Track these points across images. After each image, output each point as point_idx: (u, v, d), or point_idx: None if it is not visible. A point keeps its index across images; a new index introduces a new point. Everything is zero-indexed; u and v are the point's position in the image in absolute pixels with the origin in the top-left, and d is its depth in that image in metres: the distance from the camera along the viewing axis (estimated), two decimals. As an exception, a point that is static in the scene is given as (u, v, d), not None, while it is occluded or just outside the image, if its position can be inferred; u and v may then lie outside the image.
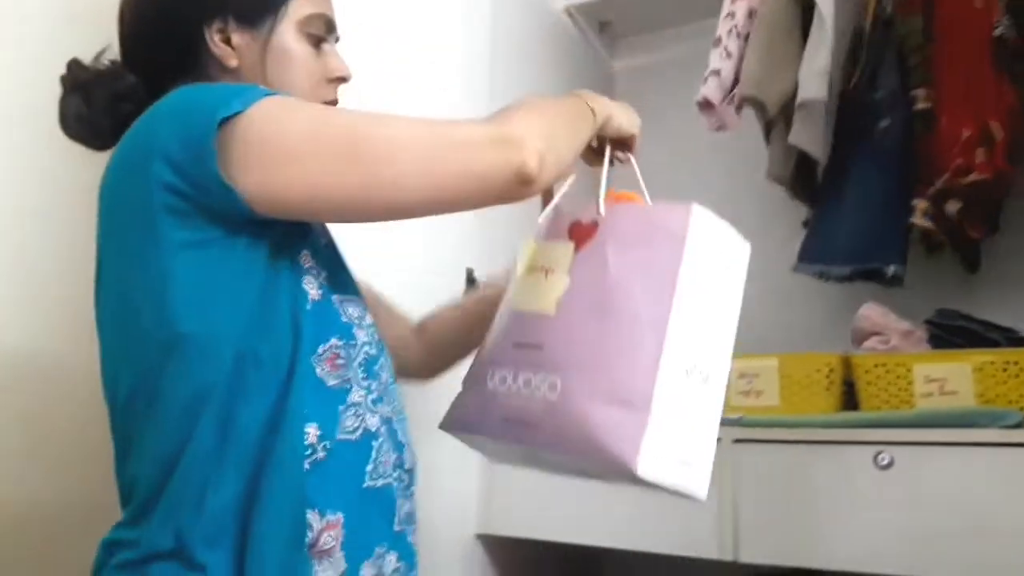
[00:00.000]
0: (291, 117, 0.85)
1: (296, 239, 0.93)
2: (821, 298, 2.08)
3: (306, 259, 0.94)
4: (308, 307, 0.91)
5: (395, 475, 0.96)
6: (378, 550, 0.92)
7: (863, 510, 1.42)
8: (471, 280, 1.77)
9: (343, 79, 1.06)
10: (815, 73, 1.74)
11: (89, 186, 0.96)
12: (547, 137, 0.90)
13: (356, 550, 0.89)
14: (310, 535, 0.86)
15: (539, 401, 0.93)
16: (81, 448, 1.29)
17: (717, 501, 1.50)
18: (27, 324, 1.32)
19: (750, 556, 1.50)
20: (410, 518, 0.99)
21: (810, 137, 1.75)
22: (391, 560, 0.94)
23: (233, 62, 1.00)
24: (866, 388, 1.60)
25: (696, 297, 0.93)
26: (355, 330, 0.94)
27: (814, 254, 1.83)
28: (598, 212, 1.01)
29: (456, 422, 1.03)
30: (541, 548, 1.84)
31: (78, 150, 1.03)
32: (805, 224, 1.96)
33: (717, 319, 0.96)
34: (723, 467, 1.50)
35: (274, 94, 0.88)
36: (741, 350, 1.56)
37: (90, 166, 1.00)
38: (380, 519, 0.93)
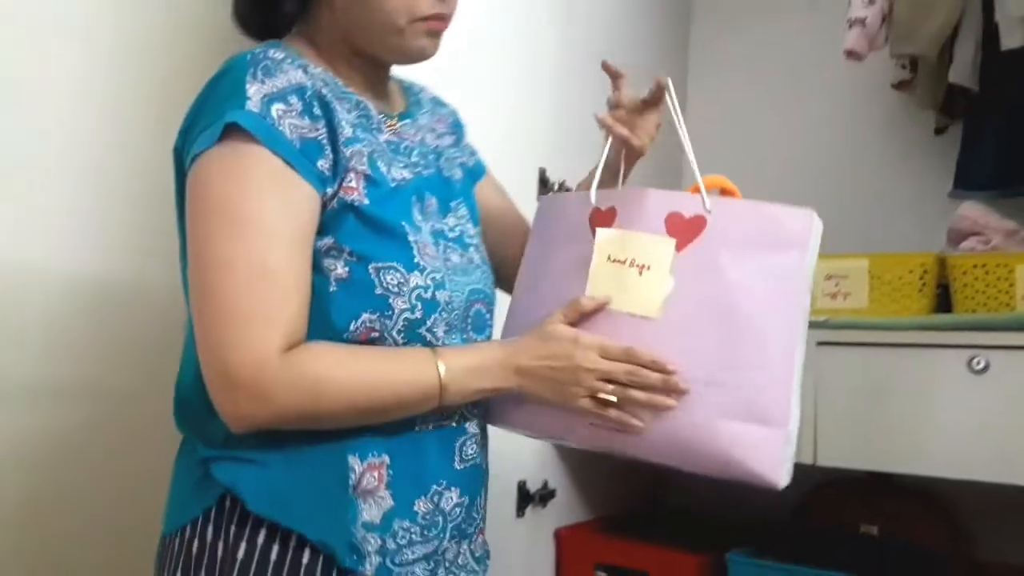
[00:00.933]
0: (204, 184, 0.87)
1: (328, 221, 0.90)
2: (915, 197, 2.00)
3: (327, 242, 0.89)
4: (332, 288, 0.89)
5: (456, 416, 0.97)
6: (435, 487, 0.94)
7: (953, 415, 1.38)
8: (544, 181, 1.74)
9: (438, 17, 0.95)
10: (1015, 20, 1.66)
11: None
12: (308, 413, 0.86)
13: (405, 488, 0.92)
14: (352, 477, 0.89)
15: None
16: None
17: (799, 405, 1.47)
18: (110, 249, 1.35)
19: (829, 459, 1.48)
20: (478, 452, 0.99)
21: (970, 73, 1.74)
22: (451, 496, 0.95)
23: None
24: (962, 290, 1.54)
25: (806, 299, 0.91)
26: (392, 300, 0.90)
27: (970, 182, 1.81)
28: (703, 206, 0.93)
29: (511, 420, 1.01)
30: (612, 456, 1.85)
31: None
32: (938, 131, 1.94)
33: (807, 306, 0.93)
34: (806, 370, 1.46)
35: (230, 128, 0.85)
36: (829, 250, 1.51)
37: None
38: (438, 458, 0.95)
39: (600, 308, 0.94)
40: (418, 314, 0.91)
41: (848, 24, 1.82)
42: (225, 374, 0.84)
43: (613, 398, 0.91)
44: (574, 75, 1.83)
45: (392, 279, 0.89)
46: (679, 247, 0.91)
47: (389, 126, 0.99)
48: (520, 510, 1.76)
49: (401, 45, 0.95)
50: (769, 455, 0.87)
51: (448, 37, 1.00)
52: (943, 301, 1.61)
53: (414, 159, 1.00)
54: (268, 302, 0.84)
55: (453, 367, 0.90)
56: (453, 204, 1.03)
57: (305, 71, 0.91)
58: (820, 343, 1.48)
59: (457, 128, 1.13)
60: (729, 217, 0.91)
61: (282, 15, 0.97)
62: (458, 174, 1.07)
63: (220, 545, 0.88)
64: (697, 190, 0.94)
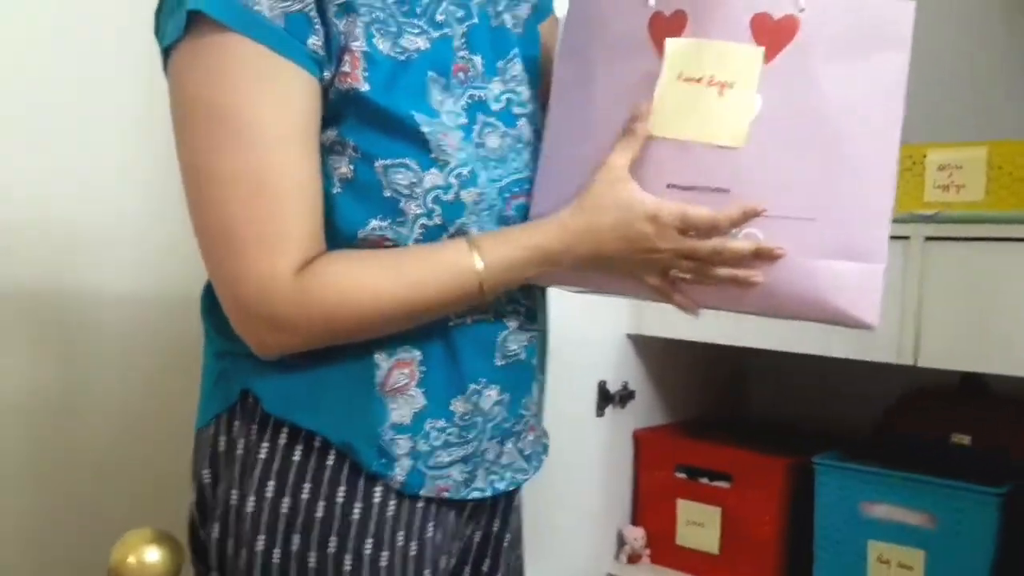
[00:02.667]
0: (180, 86, 0.77)
1: (331, 112, 0.79)
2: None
3: (332, 134, 0.78)
4: (335, 190, 0.79)
5: (495, 312, 0.86)
6: (473, 386, 0.85)
7: (1071, 316, 1.30)
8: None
9: None
10: None
11: None
12: (332, 334, 0.78)
13: (439, 387, 0.83)
14: (379, 375, 0.81)
15: None
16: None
17: (901, 302, 1.41)
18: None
19: (931, 360, 1.42)
20: (523, 347, 0.89)
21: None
22: (490, 395, 0.86)
23: None
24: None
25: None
26: (403, 204, 0.78)
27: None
28: (796, 3, 0.77)
29: (555, 279, 0.88)
30: (693, 354, 1.81)
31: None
32: None
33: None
34: (910, 267, 1.40)
35: (195, 16, 0.73)
36: (941, 138, 1.41)
37: None
38: (476, 355, 0.85)
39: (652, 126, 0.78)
40: (437, 219, 0.79)
41: None
42: (236, 306, 0.77)
43: (688, 276, 0.80)
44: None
45: (402, 179, 0.78)
46: (768, 57, 0.76)
47: None
48: (600, 410, 1.75)
49: None
50: (867, 294, 0.79)
51: None
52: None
53: (439, 16, 0.84)
54: (269, 220, 0.74)
55: (494, 263, 0.79)
56: (502, 63, 0.87)
57: None
58: (929, 238, 1.39)
59: None
60: (824, 15, 0.76)
61: None
62: (522, 13, 0.91)
63: (242, 443, 0.83)
64: None
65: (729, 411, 2.09)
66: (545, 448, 0.99)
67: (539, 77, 0.90)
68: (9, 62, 1.18)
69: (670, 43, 0.78)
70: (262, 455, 0.82)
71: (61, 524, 1.24)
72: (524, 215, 0.86)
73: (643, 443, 1.84)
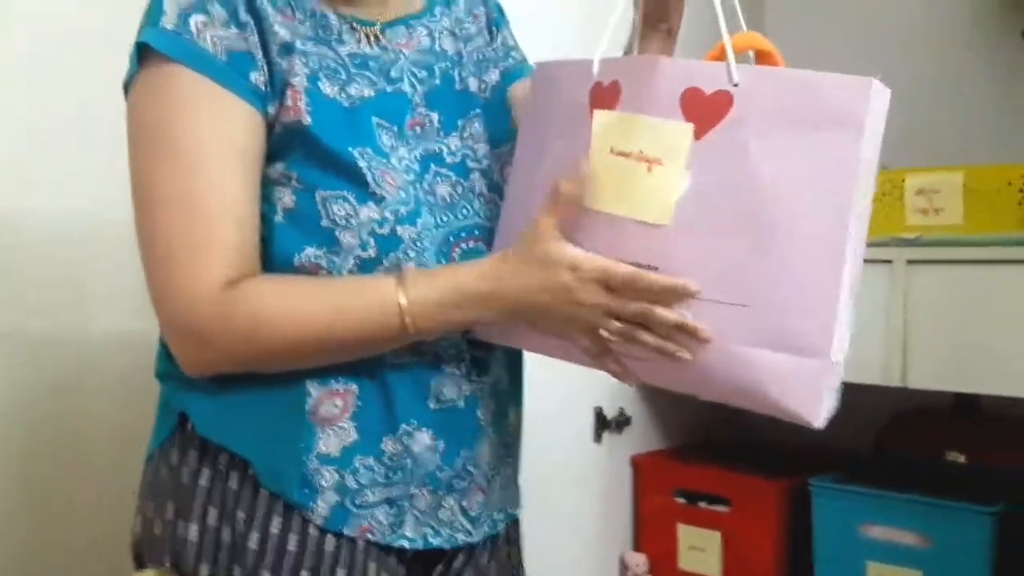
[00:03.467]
0: (130, 114, 0.81)
1: (277, 147, 0.81)
2: (1009, 106, 1.89)
3: (279, 167, 0.81)
4: (277, 218, 0.81)
5: (434, 354, 0.84)
6: (404, 427, 0.83)
7: (1052, 335, 1.32)
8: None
9: None
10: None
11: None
12: (253, 355, 0.78)
13: (372, 423, 0.82)
14: (309, 401, 0.81)
15: None
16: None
17: (886, 325, 1.43)
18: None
19: (919, 382, 1.44)
20: (462, 396, 0.86)
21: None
22: (421, 438, 0.83)
23: None
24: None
25: (862, 193, 0.72)
26: (339, 233, 0.79)
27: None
28: (730, 79, 0.72)
29: (497, 335, 0.85)
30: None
31: None
32: None
33: (866, 203, 0.75)
34: (894, 290, 1.43)
35: (145, 50, 0.79)
36: (920, 162, 1.44)
37: None
38: (409, 395, 0.83)
39: (577, 194, 0.76)
40: (371, 252, 0.80)
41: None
42: (165, 320, 0.79)
43: (614, 338, 0.76)
44: None
45: (339, 210, 0.79)
46: (698, 133, 0.72)
47: (364, 34, 0.86)
48: (597, 436, 1.77)
49: None
50: (804, 389, 0.72)
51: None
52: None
53: (394, 72, 0.86)
54: (198, 233, 0.76)
55: (419, 299, 0.77)
56: (462, 121, 0.89)
57: None
58: (911, 261, 1.42)
59: (496, 25, 0.99)
60: (762, 91, 0.71)
61: None
62: (490, 79, 0.94)
63: (184, 471, 0.83)
64: (721, 55, 0.73)
65: (725, 434, 2.10)
66: (509, 516, 0.94)
67: (502, 138, 0.92)
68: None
69: (598, 115, 0.77)
70: (202, 482, 0.82)
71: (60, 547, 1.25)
72: (470, 260, 0.85)
73: (641, 468, 1.86)
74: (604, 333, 0.77)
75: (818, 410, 0.73)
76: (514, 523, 0.97)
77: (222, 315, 0.76)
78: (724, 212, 0.72)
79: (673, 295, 0.73)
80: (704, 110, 0.73)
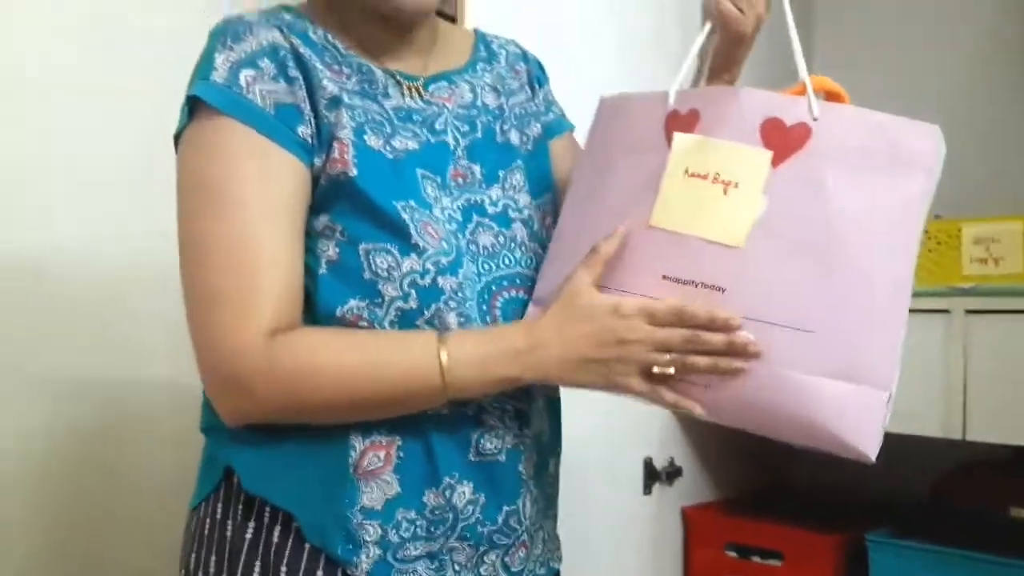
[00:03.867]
0: (180, 164, 0.82)
1: (323, 198, 0.82)
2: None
3: (324, 219, 0.82)
4: (321, 271, 0.82)
5: (476, 407, 0.84)
6: (447, 479, 0.83)
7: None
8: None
9: None
10: None
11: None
12: (293, 406, 0.79)
13: (415, 475, 0.82)
14: (353, 455, 0.81)
15: None
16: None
17: (945, 376, 1.41)
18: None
19: (980, 434, 1.41)
20: (504, 449, 0.86)
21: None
22: (463, 491, 0.83)
23: None
24: (1125, 253, 1.42)
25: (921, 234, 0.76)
26: (381, 286, 0.80)
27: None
28: (810, 111, 0.75)
29: None
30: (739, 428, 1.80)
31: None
32: None
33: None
34: (953, 341, 1.40)
35: (196, 103, 0.81)
36: (977, 212, 1.42)
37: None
38: (450, 448, 0.83)
39: (619, 245, 0.79)
40: (412, 303, 0.81)
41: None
42: (208, 368, 0.79)
43: (671, 370, 0.76)
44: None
45: (382, 262, 0.80)
46: (776, 161, 0.75)
47: (408, 89, 0.88)
48: (647, 487, 1.74)
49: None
50: (865, 421, 0.72)
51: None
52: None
53: (439, 125, 0.88)
54: (244, 283, 0.77)
55: (460, 356, 0.78)
56: (503, 172, 0.90)
57: (282, 30, 0.84)
58: (969, 311, 1.40)
59: (537, 81, 1.01)
60: (840, 128, 0.75)
61: None
62: (532, 133, 0.95)
63: (229, 525, 0.83)
64: (801, 91, 0.77)
65: (777, 485, 2.07)
66: (551, 571, 0.94)
67: (544, 189, 0.94)
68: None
69: (678, 138, 0.79)
70: (248, 535, 0.82)
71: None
72: (511, 309, 0.86)
73: (692, 521, 1.82)
74: (656, 369, 0.77)
75: (875, 443, 0.73)
76: None
77: (266, 365, 0.77)
78: (795, 240, 0.74)
79: (717, 325, 0.74)
80: (783, 140, 0.75)
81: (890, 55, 2.12)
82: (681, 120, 0.80)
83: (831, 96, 0.82)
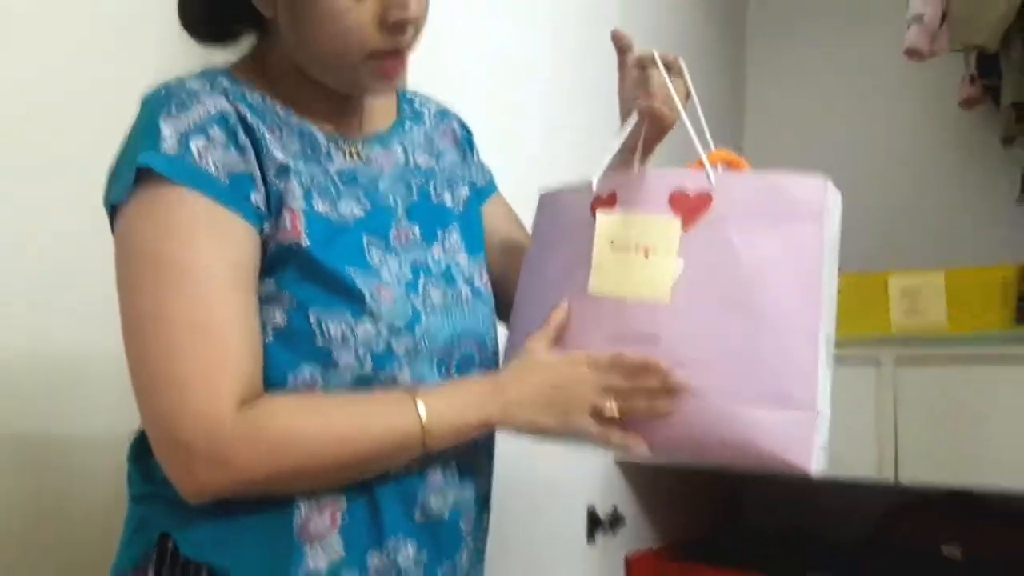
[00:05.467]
0: (127, 239, 0.80)
1: (268, 264, 0.82)
2: (986, 207, 1.95)
3: (270, 285, 0.81)
4: (267, 340, 0.81)
5: (420, 462, 0.85)
6: (392, 540, 0.83)
7: (1040, 430, 1.34)
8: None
9: (393, 54, 0.84)
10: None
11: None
12: (276, 473, 0.77)
13: (360, 537, 0.82)
14: (298, 517, 0.80)
15: None
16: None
17: (876, 422, 1.45)
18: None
19: (911, 477, 1.45)
20: (448, 507, 0.88)
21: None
22: (407, 552, 0.84)
23: (269, 12, 0.85)
24: (1044, 301, 1.49)
25: (828, 275, 0.86)
26: (335, 353, 0.81)
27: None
28: (708, 181, 0.87)
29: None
30: (681, 476, 1.83)
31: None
32: (1005, 141, 1.84)
33: (832, 286, 0.87)
34: (884, 388, 1.45)
35: (144, 173, 0.78)
36: (900, 265, 1.48)
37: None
38: (396, 509, 0.84)
39: (566, 314, 0.89)
40: (368, 369, 0.81)
41: (908, 23, 1.80)
42: (176, 444, 0.76)
43: (616, 414, 0.85)
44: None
45: (335, 329, 0.80)
46: (685, 226, 0.87)
47: (349, 152, 0.89)
48: (590, 536, 1.74)
49: (356, 81, 0.86)
50: (797, 439, 0.81)
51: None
52: (1024, 313, 1.56)
53: (381, 188, 0.90)
54: (212, 357, 0.76)
55: (435, 406, 0.81)
56: (441, 232, 0.93)
57: (227, 96, 0.83)
58: (899, 361, 1.45)
59: (465, 143, 1.03)
60: (736, 191, 0.87)
61: (232, 32, 0.90)
62: (461, 194, 0.98)
63: None
64: (700, 165, 0.88)
65: (720, 531, 2.09)
66: None
67: (478, 247, 0.98)
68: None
69: (600, 216, 0.91)
70: None
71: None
72: (466, 365, 0.90)
73: (635, 568, 1.83)
74: (606, 408, 0.85)
75: (809, 459, 0.82)
76: None
77: (246, 436, 0.76)
78: (712, 290, 0.85)
79: (649, 368, 0.84)
80: (689, 207, 0.88)
81: (816, 117, 2.22)
82: (603, 202, 0.92)
83: (732, 165, 0.92)
